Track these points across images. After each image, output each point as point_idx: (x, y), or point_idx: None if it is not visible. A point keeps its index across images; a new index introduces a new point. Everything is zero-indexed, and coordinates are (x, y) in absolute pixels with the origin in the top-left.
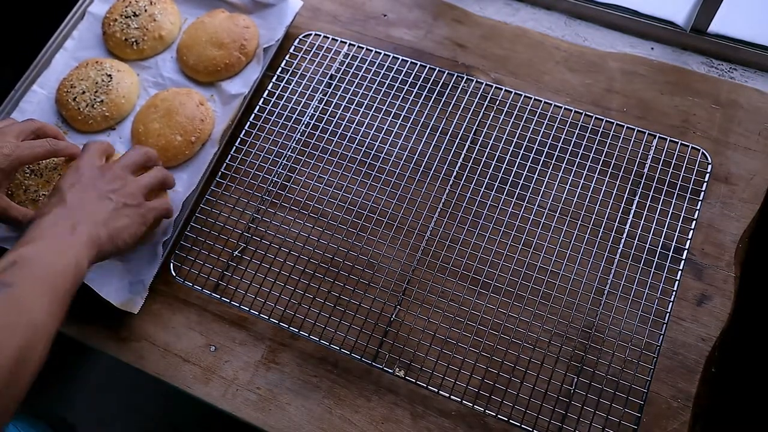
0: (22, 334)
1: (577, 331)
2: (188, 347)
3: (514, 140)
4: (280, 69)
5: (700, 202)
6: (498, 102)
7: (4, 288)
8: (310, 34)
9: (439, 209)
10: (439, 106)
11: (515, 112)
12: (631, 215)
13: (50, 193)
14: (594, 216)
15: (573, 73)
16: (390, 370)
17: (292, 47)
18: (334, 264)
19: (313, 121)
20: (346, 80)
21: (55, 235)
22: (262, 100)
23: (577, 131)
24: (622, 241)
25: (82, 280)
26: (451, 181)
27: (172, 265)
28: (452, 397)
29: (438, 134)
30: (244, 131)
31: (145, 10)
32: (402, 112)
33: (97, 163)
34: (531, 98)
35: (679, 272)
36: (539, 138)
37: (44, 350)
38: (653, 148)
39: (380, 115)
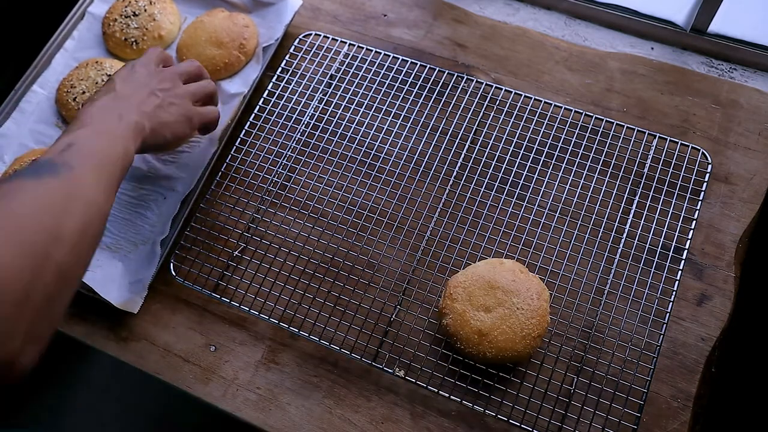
0: (84, 212)
1: (577, 331)
2: (188, 347)
3: (514, 140)
4: (280, 69)
5: (700, 202)
6: (498, 102)
7: (66, 169)
8: (310, 34)
9: (439, 209)
10: (439, 106)
11: (515, 112)
12: (631, 215)
13: (104, 83)
14: (594, 216)
15: (573, 73)
16: (390, 370)
17: (292, 47)
18: (334, 264)
19: (313, 121)
20: (346, 80)
21: (104, 121)
22: (262, 99)
23: (577, 131)
24: (622, 241)
25: (129, 167)
26: (451, 181)
27: (172, 265)
28: (452, 397)
29: (438, 134)
30: (244, 131)
31: (145, 10)
32: (402, 112)
33: (153, 65)
34: (531, 98)
35: (679, 272)
36: (539, 138)
37: (101, 227)
38: (653, 148)
39: (380, 115)
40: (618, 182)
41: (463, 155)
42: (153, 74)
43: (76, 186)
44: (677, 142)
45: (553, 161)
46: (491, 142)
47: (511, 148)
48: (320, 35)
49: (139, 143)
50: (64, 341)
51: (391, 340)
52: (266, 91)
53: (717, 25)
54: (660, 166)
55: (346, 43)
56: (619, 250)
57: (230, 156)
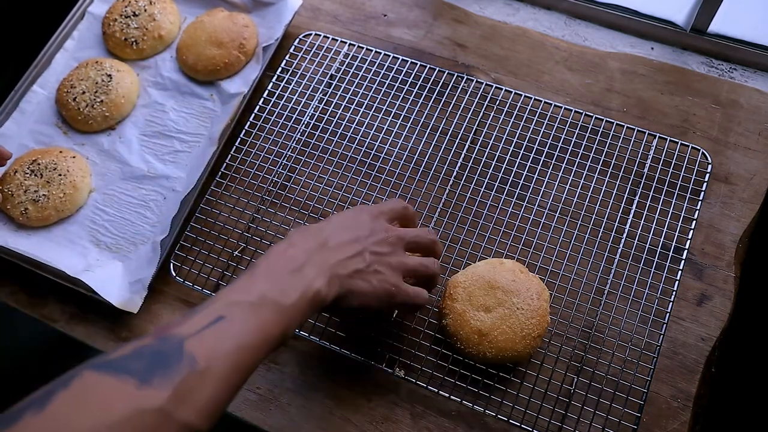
0: None
1: (577, 331)
2: None
3: (514, 140)
4: (280, 69)
5: (700, 202)
6: (498, 102)
7: (189, 364)
8: (310, 34)
9: (439, 209)
10: (439, 106)
11: (515, 112)
12: (631, 215)
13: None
14: (594, 216)
15: (573, 73)
16: (390, 370)
17: (292, 47)
18: None
19: (313, 121)
20: (346, 80)
21: (279, 284)
22: (262, 99)
23: (577, 131)
24: (622, 241)
25: (281, 346)
26: (451, 181)
27: (172, 265)
28: (452, 397)
29: (438, 134)
30: (244, 131)
31: (145, 10)
32: (402, 112)
33: (385, 218)
34: (531, 98)
35: (679, 272)
36: (539, 138)
37: None
38: (653, 148)
39: (380, 115)
40: (618, 182)
41: (463, 155)
42: (376, 230)
43: (182, 404)
44: (677, 142)
45: (553, 161)
46: (491, 142)
47: (511, 148)
48: (320, 35)
49: (310, 314)
50: (64, 341)
51: (391, 340)
52: (266, 91)
53: (717, 25)
54: (660, 166)
55: (346, 43)
56: (619, 250)
57: (230, 156)
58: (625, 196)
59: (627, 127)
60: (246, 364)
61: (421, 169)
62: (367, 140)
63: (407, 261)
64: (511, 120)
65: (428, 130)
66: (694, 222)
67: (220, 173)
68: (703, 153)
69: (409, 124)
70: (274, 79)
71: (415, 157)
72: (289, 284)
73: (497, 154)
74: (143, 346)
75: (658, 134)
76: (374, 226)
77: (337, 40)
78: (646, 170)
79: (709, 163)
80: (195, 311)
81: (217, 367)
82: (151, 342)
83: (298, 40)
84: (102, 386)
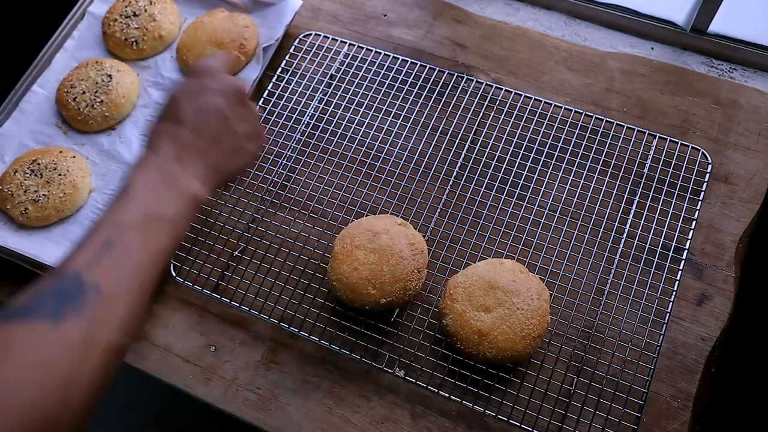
0: (102, 359)
1: (577, 331)
2: (188, 347)
3: (514, 140)
4: (280, 69)
5: (700, 202)
6: (498, 102)
7: (93, 294)
8: (310, 34)
9: (439, 209)
10: (439, 106)
11: (515, 112)
12: (631, 215)
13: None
14: (594, 216)
15: (573, 73)
16: (390, 370)
17: (292, 47)
18: None
19: (313, 121)
20: (346, 80)
21: (154, 198)
22: (262, 100)
23: (577, 131)
24: (622, 241)
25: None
26: (451, 181)
27: (172, 265)
28: (452, 397)
29: (438, 134)
30: None
31: (145, 10)
32: (402, 112)
33: (222, 72)
34: (531, 98)
35: (679, 272)
36: (539, 138)
37: (118, 366)
38: (653, 148)
39: (380, 115)
40: (618, 182)
41: (463, 155)
42: (228, 92)
43: (99, 328)
44: (677, 142)
45: (553, 161)
46: (491, 142)
47: (511, 148)
48: (320, 35)
49: (193, 215)
50: None
51: (391, 340)
52: (266, 91)
53: (717, 25)
54: (660, 166)
55: (346, 43)
56: (619, 250)
57: None
58: (625, 196)
59: (627, 127)
60: (146, 280)
61: (421, 169)
62: (367, 140)
63: (249, 117)
64: (511, 120)
65: (428, 130)
66: (694, 222)
67: None
68: (703, 153)
69: (409, 124)
70: (274, 79)
71: (415, 157)
72: (167, 197)
73: (497, 154)
74: (43, 288)
75: (658, 134)
76: (217, 101)
77: (337, 40)
78: (646, 170)
79: (709, 163)
80: (82, 241)
81: (120, 289)
82: (50, 283)
83: (298, 40)
84: (20, 333)
